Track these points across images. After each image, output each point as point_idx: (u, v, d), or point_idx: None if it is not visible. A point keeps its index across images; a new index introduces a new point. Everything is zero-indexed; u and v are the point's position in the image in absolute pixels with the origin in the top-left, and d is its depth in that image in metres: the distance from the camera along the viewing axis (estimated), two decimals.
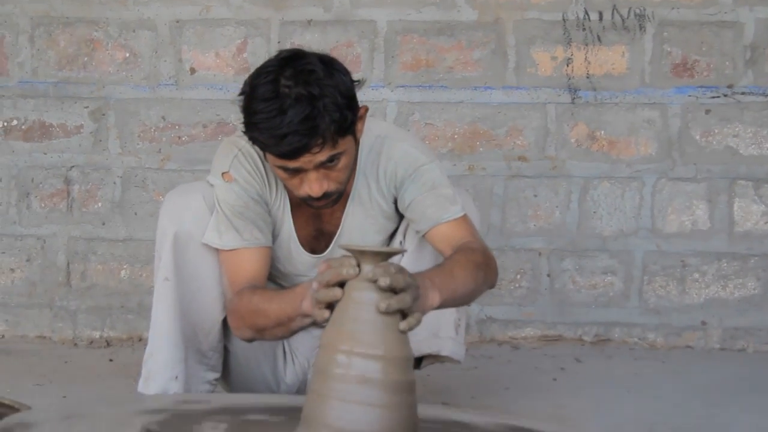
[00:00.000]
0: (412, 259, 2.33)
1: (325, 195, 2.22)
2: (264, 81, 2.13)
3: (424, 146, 2.48)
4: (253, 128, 2.15)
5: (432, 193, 2.33)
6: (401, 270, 1.72)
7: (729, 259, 3.68)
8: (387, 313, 1.67)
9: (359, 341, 1.66)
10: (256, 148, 2.30)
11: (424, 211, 2.33)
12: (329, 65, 2.16)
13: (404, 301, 1.69)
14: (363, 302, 1.69)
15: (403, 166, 2.35)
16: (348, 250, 1.73)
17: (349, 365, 1.66)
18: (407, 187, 2.35)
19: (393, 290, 1.69)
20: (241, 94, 2.19)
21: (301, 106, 2.09)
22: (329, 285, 1.73)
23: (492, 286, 2.27)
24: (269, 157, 2.20)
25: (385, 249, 1.74)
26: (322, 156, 2.15)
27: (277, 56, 2.18)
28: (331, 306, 1.74)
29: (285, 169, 2.19)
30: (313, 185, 2.19)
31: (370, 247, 1.73)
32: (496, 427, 1.88)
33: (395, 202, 2.40)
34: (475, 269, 2.15)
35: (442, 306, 2.00)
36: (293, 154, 2.12)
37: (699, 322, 3.67)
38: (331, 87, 2.12)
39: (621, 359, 3.47)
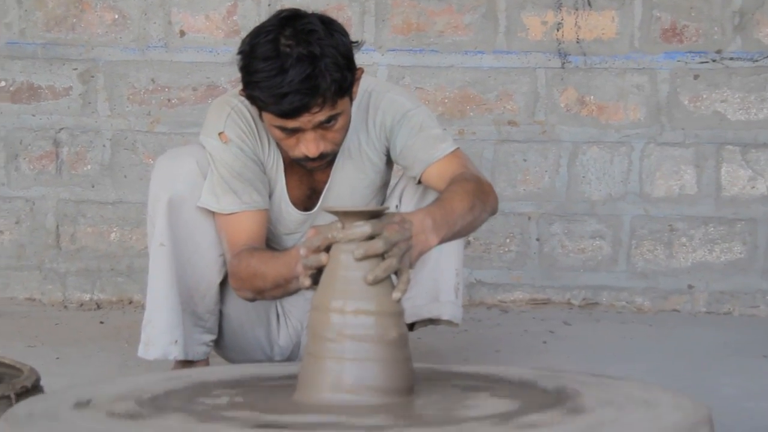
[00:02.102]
0: None
1: (321, 156, 2.23)
2: (264, 40, 2.13)
3: (409, 94, 2.50)
4: (253, 87, 2.15)
5: (421, 135, 2.34)
6: (384, 227, 1.71)
7: (716, 223, 3.71)
8: (375, 283, 1.67)
9: (350, 300, 1.67)
10: (248, 106, 2.30)
11: (416, 154, 2.33)
12: (329, 25, 2.17)
13: (390, 267, 1.69)
14: (350, 262, 1.69)
15: (391, 114, 2.36)
16: (331, 212, 1.73)
17: (342, 324, 1.66)
18: (397, 133, 2.36)
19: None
20: (239, 53, 2.19)
21: (302, 66, 2.09)
22: (318, 251, 1.74)
23: (494, 212, 2.24)
24: (267, 116, 2.20)
25: (368, 209, 1.74)
26: (322, 116, 2.16)
27: (276, 15, 2.18)
28: (319, 271, 1.76)
29: (282, 129, 2.19)
30: (310, 145, 2.20)
31: (353, 208, 1.73)
32: (479, 374, 1.90)
33: (387, 153, 2.42)
34: (471, 198, 2.13)
35: (441, 243, 2.01)
36: (293, 113, 2.13)
37: (686, 286, 3.71)
38: (331, 47, 2.13)
39: (609, 323, 3.50)
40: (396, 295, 1.69)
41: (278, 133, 2.22)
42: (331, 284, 1.70)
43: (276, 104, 2.13)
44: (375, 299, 1.68)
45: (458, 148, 2.35)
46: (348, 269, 1.69)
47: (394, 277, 1.73)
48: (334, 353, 1.66)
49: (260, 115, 2.25)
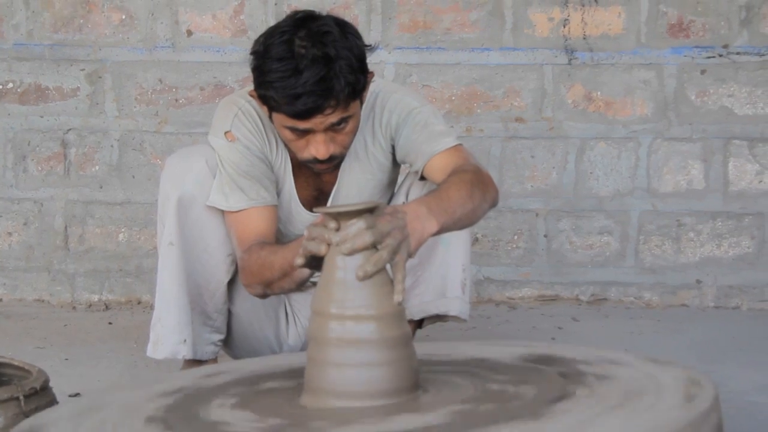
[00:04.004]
0: None
1: (330, 158, 2.24)
2: (279, 41, 2.14)
3: (416, 94, 2.50)
4: (266, 87, 2.15)
5: (425, 130, 2.35)
6: (374, 222, 1.68)
7: (723, 218, 3.71)
8: (366, 278, 1.65)
9: (349, 304, 1.64)
10: (256, 106, 2.31)
11: (418, 148, 2.34)
12: (343, 27, 2.17)
13: (381, 260, 1.66)
14: (346, 265, 1.66)
15: (397, 113, 2.38)
16: (324, 214, 1.69)
17: (342, 330, 1.64)
18: (401, 131, 2.37)
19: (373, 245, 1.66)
20: (252, 53, 2.19)
21: (317, 68, 2.10)
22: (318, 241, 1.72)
23: (494, 203, 2.22)
24: (278, 117, 2.21)
25: (359, 206, 1.69)
26: (334, 118, 2.16)
27: (291, 16, 2.19)
28: (316, 260, 1.72)
29: (293, 130, 2.20)
30: (320, 147, 2.20)
31: (344, 207, 1.69)
32: (512, 357, 1.89)
33: (393, 152, 2.42)
34: (470, 188, 2.11)
35: (441, 231, 1.97)
36: (306, 114, 2.13)
37: (694, 281, 3.70)
38: (346, 49, 2.13)
39: (617, 318, 3.50)
40: (397, 298, 1.65)
41: (288, 135, 2.23)
42: (329, 288, 1.67)
43: (289, 105, 2.13)
44: (374, 302, 1.65)
45: (461, 144, 2.35)
46: (346, 271, 1.66)
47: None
48: (335, 359, 1.64)
49: (270, 117, 2.26)
